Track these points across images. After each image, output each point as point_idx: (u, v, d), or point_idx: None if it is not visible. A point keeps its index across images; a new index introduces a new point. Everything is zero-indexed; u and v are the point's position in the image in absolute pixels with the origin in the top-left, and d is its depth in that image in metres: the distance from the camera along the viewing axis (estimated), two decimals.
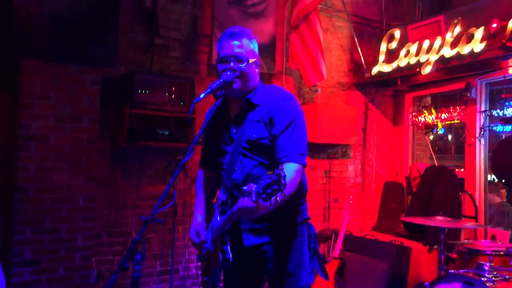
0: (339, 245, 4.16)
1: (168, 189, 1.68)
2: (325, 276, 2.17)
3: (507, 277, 2.60)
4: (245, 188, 1.48)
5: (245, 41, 1.86)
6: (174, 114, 3.61)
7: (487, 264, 2.62)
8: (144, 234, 1.71)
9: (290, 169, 1.68)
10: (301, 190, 1.89)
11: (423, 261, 3.82)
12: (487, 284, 2.45)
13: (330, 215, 4.86)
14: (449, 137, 5.30)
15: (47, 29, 3.25)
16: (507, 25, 3.64)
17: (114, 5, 3.57)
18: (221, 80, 1.79)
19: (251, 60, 1.84)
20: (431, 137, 5.29)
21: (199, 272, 2.07)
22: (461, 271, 2.68)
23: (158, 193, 3.75)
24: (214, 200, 2.10)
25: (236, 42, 1.84)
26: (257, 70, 1.91)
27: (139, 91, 3.51)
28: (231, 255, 1.81)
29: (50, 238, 3.23)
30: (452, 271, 2.70)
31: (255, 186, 1.45)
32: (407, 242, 3.95)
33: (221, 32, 4.12)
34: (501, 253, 2.90)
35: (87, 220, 3.40)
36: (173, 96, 3.68)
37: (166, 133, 3.57)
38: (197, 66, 4.15)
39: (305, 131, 1.86)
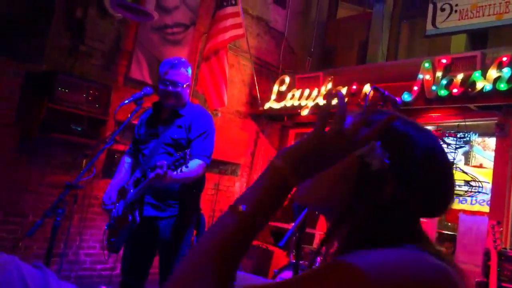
0: None
1: (91, 164, 2.27)
2: None
3: None
4: (158, 163, 2.16)
5: (182, 70, 2.56)
6: (89, 114, 4.10)
7: (319, 258, 3.56)
8: (65, 197, 2.27)
9: (195, 163, 2.39)
10: (201, 183, 2.58)
11: (282, 261, 4.73)
12: None
13: (214, 222, 5.59)
14: None
15: None
16: (362, 88, 4.85)
17: (47, 10, 4.03)
18: (142, 92, 2.46)
19: (185, 85, 2.55)
20: None
21: (105, 238, 2.57)
22: (301, 262, 3.59)
23: (59, 183, 4.12)
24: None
25: (175, 71, 2.52)
26: (188, 91, 2.60)
27: (60, 88, 3.94)
28: (138, 218, 2.40)
29: None
30: (293, 261, 3.59)
31: (166, 161, 2.14)
32: (273, 248, 4.84)
33: (141, 51, 4.81)
34: None
35: None
36: (90, 98, 4.17)
37: (79, 129, 4.03)
38: (116, 76, 4.69)
39: (213, 142, 2.57)
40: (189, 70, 2.60)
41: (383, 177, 0.69)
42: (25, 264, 0.55)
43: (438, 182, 0.73)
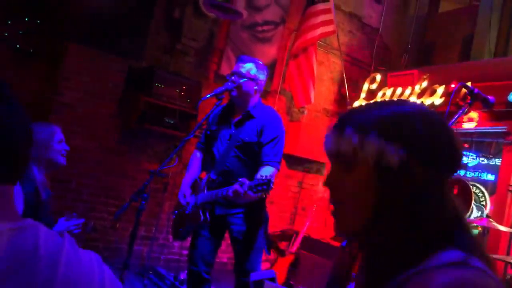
0: (297, 244, 4.89)
1: (174, 154, 2.41)
2: (268, 252, 2.84)
3: None
4: (241, 179, 2.20)
5: (249, 65, 2.60)
6: (181, 108, 4.36)
7: None
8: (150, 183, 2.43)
9: (269, 171, 2.43)
10: None
11: None
12: None
13: (295, 219, 5.60)
14: None
15: (91, 22, 4.01)
16: (462, 87, 4.44)
17: (148, 11, 4.36)
18: (223, 87, 2.54)
19: (249, 79, 2.56)
20: None
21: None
22: None
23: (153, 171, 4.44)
24: (202, 175, 2.78)
25: (242, 64, 2.60)
26: (255, 88, 2.59)
27: (157, 84, 4.25)
28: (209, 219, 2.51)
29: (62, 187, 3.94)
30: None
31: (248, 181, 2.18)
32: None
33: (232, 49, 4.97)
34: None
35: (94, 179, 4.11)
36: (182, 93, 4.43)
37: (172, 122, 4.31)
38: (207, 73, 4.92)
39: (283, 146, 2.58)
40: (260, 71, 2.59)
41: (408, 167, 0.68)
42: (48, 231, 0.60)
43: (450, 142, 0.72)
